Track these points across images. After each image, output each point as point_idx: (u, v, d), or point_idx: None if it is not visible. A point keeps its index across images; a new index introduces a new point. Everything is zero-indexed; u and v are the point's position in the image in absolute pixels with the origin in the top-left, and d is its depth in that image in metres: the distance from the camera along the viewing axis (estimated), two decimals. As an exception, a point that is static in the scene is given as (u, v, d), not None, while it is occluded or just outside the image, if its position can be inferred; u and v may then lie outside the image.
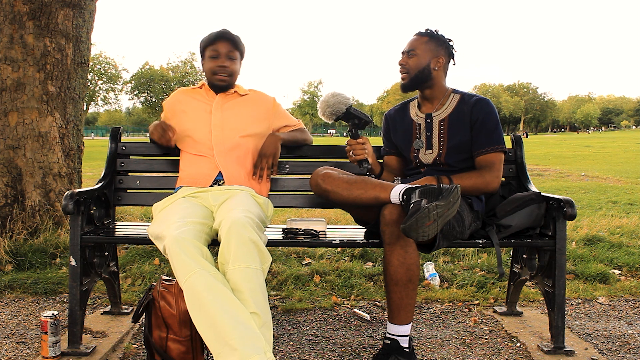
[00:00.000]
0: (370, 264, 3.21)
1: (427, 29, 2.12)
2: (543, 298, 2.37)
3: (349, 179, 1.89)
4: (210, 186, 2.12)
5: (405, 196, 1.75)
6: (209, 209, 1.99)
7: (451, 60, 2.16)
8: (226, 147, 2.18)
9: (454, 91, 2.17)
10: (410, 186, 1.77)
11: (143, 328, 2.04)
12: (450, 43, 2.14)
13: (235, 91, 2.29)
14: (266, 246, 1.79)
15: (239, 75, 2.31)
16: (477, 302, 2.66)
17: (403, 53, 2.14)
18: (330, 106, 2.02)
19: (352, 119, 2.04)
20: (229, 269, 1.65)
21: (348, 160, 2.46)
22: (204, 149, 2.18)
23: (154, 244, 1.87)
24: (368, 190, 1.85)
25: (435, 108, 2.15)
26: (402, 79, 2.14)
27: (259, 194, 2.17)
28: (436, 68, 2.10)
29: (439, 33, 2.12)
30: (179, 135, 2.27)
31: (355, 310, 2.51)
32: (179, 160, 2.35)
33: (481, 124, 2.06)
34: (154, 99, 51.97)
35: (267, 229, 2.18)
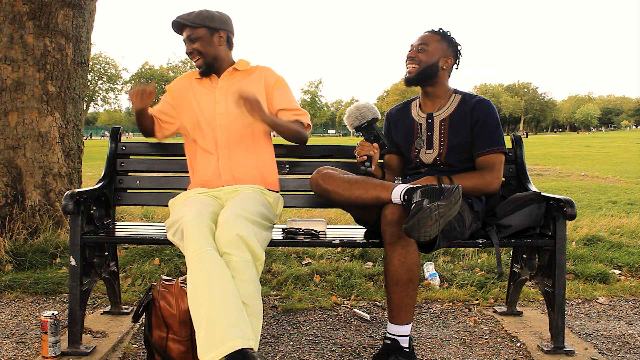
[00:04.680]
0: (370, 264, 3.21)
1: (440, 29, 2.13)
2: (543, 298, 2.37)
3: (350, 179, 1.89)
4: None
5: (406, 196, 1.75)
6: (223, 205, 2.00)
7: (455, 64, 2.16)
8: (232, 140, 2.12)
9: (456, 91, 2.17)
10: (411, 186, 1.77)
11: (143, 328, 2.04)
12: (459, 48, 2.14)
13: (234, 68, 2.17)
14: (267, 246, 1.79)
15: (218, 48, 2.12)
16: (477, 302, 2.66)
17: (412, 46, 2.12)
18: (359, 109, 2.03)
19: (371, 132, 2.04)
20: (223, 259, 1.67)
21: (348, 161, 2.46)
22: (211, 144, 2.14)
23: (154, 244, 1.88)
24: (369, 190, 1.84)
25: (437, 108, 2.15)
26: (409, 72, 2.11)
27: (271, 190, 2.15)
28: (444, 67, 2.11)
29: (451, 35, 2.13)
30: (191, 127, 2.19)
31: (355, 310, 2.51)
32: (179, 160, 2.35)
33: (482, 124, 2.07)
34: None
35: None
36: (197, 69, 2.17)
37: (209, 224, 1.73)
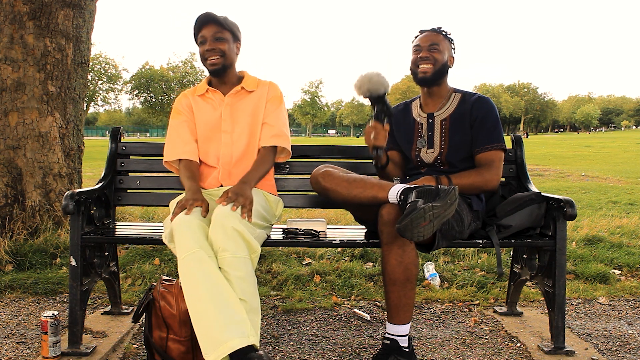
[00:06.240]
0: (371, 264, 3.21)
1: (439, 28, 2.13)
2: (543, 298, 2.37)
3: (349, 178, 1.89)
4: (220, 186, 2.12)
5: (402, 196, 1.75)
6: None
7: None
8: (234, 156, 2.13)
9: (456, 90, 2.18)
10: (408, 186, 1.77)
11: (143, 328, 2.04)
12: (453, 47, 2.16)
13: (242, 87, 2.17)
14: (267, 246, 1.79)
15: (235, 57, 2.17)
16: (477, 302, 2.66)
17: (421, 46, 2.10)
18: (373, 83, 1.93)
19: (382, 104, 1.97)
20: (218, 257, 1.69)
21: (348, 161, 2.46)
22: (214, 160, 2.14)
23: (154, 244, 1.88)
24: (367, 190, 1.84)
25: (437, 108, 2.16)
26: (425, 72, 2.08)
27: (270, 193, 2.15)
28: (450, 65, 2.13)
29: (449, 35, 2.14)
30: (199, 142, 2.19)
31: (356, 310, 2.51)
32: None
33: (481, 121, 2.07)
34: (154, 99, 51.93)
35: (267, 229, 2.17)
36: (211, 67, 2.11)
37: (198, 224, 1.73)
